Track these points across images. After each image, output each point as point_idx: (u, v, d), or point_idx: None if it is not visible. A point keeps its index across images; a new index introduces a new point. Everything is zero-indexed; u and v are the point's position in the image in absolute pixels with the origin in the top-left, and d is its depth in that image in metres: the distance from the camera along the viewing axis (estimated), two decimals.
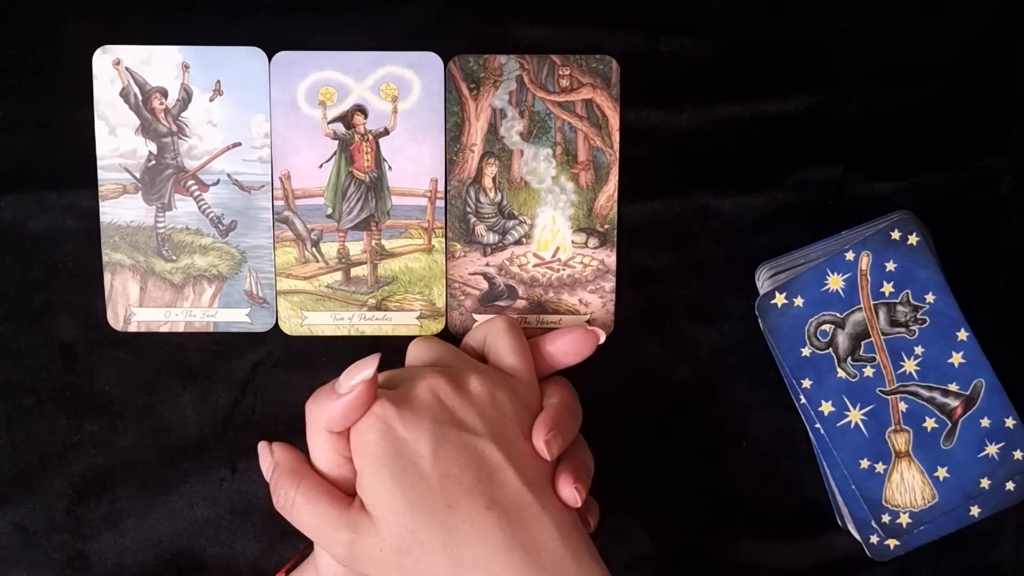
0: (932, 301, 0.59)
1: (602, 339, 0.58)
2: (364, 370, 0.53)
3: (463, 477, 0.52)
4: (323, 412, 0.54)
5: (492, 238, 0.62)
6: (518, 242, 0.62)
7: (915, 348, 0.59)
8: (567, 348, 0.59)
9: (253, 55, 0.60)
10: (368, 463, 0.53)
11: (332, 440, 0.54)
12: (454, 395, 0.54)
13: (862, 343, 0.59)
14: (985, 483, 0.60)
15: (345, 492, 0.54)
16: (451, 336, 0.62)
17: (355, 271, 0.62)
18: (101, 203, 0.61)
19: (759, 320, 0.60)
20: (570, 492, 0.53)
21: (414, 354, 0.59)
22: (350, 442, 0.54)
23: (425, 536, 0.51)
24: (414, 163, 0.61)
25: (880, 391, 0.59)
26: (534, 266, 0.62)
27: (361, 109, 0.61)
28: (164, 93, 0.61)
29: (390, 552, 0.52)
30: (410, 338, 0.61)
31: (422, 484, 0.52)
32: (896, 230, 0.59)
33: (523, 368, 0.57)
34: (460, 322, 0.62)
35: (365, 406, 0.53)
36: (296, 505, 0.54)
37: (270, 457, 0.56)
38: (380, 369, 0.53)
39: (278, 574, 0.60)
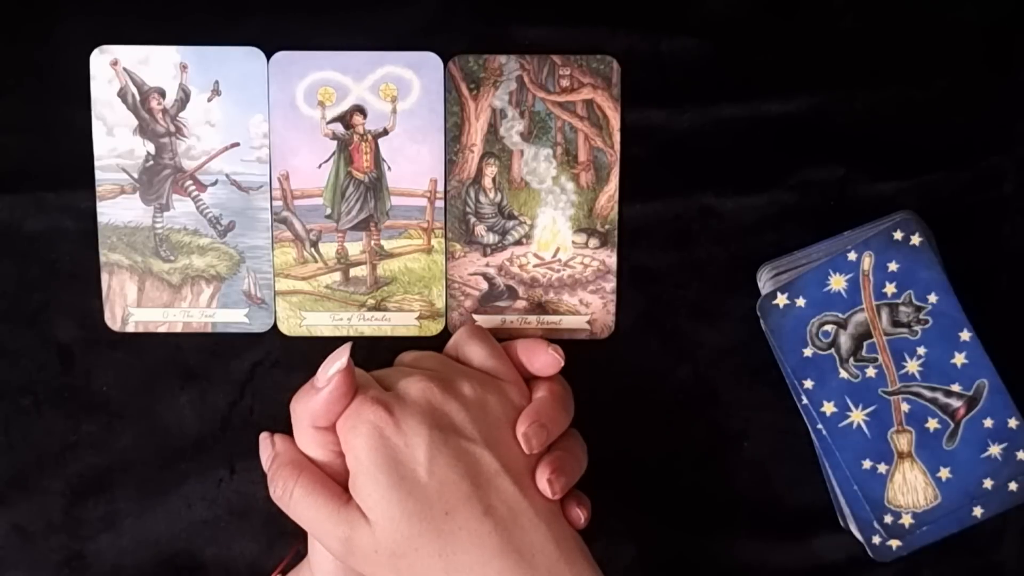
0: (935, 301, 0.59)
1: (562, 363, 0.58)
2: (338, 360, 0.53)
3: (460, 484, 0.52)
4: (306, 408, 0.54)
5: (492, 238, 0.62)
6: (518, 242, 0.62)
7: (917, 349, 0.59)
8: (527, 363, 0.58)
9: (251, 55, 0.60)
10: (364, 469, 0.53)
11: (319, 436, 0.55)
12: (446, 399, 0.54)
13: (864, 343, 0.59)
14: (988, 484, 0.60)
15: (341, 486, 0.54)
16: (450, 336, 0.62)
17: (354, 271, 0.62)
18: (99, 203, 0.61)
19: (761, 320, 0.60)
20: (543, 484, 0.54)
21: (401, 362, 0.59)
22: (343, 446, 0.54)
23: (421, 542, 0.51)
24: (413, 163, 0.61)
25: (882, 391, 0.59)
26: (534, 266, 0.62)
27: (360, 109, 0.61)
28: (162, 93, 0.60)
29: (384, 554, 0.52)
30: (410, 339, 0.62)
31: (419, 492, 0.52)
32: (899, 230, 0.59)
33: (503, 369, 0.57)
34: (460, 323, 0.62)
35: (346, 397, 0.53)
36: (295, 497, 0.54)
37: (271, 448, 0.57)
38: (375, 368, 0.53)
39: (272, 575, 0.60)
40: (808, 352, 0.59)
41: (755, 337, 0.61)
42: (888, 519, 0.60)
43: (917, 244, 0.59)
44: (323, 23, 0.60)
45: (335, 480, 0.54)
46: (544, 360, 0.58)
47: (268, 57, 0.60)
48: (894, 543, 0.61)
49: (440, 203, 0.61)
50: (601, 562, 0.54)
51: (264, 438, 0.58)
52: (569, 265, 0.62)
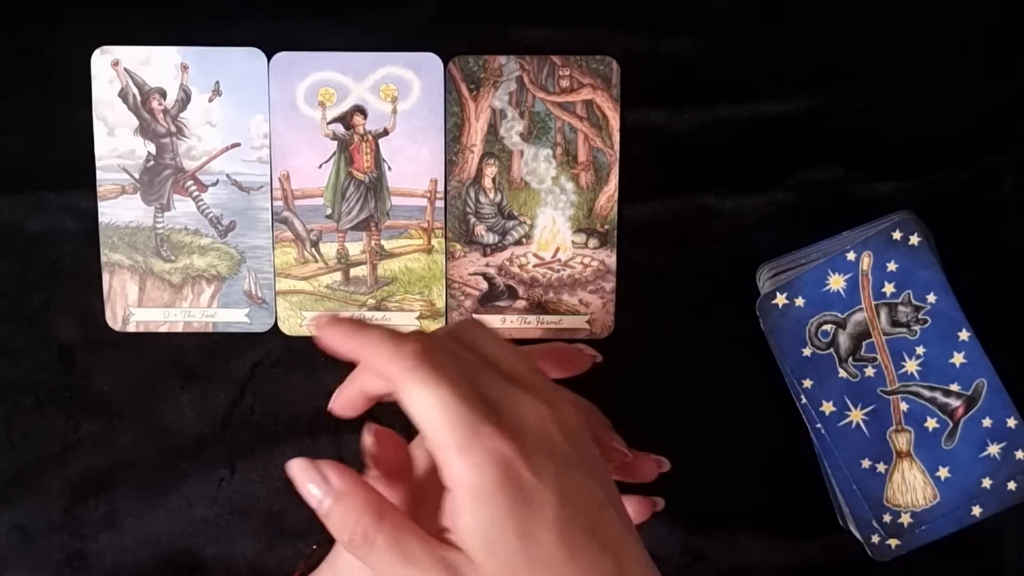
0: (933, 301, 0.59)
1: (599, 359, 0.57)
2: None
3: (583, 523, 0.45)
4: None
5: (492, 238, 0.62)
6: (518, 242, 0.62)
7: (916, 348, 0.59)
8: (558, 368, 0.55)
9: (252, 56, 0.60)
10: (488, 510, 0.43)
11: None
12: (559, 427, 0.46)
13: (863, 343, 0.59)
14: (987, 483, 0.60)
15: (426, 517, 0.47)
16: None
17: (354, 271, 0.62)
18: (100, 203, 0.61)
19: (760, 320, 0.60)
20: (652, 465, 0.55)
21: (476, 341, 0.48)
22: (446, 474, 0.44)
23: None
24: (414, 163, 0.61)
25: (881, 391, 0.59)
26: (534, 266, 0.62)
27: (360, 110, 0.61)
28: (163, 94, 0.61)
29: None
30: None
31: (547, 536, 0.44)
32: (897, 230, 0.59)
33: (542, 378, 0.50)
34: None
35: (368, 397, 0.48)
36: (378, 547, 0.45)
37: (325, 484, 0.46)
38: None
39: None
40: (807, 352, 0.60)
41: (754, 337, 0.61)
42: (887, 518, 0.60)
43: (916, 244, 0.59)
44: (323, 23, 0.60)
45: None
46: (583, 364, 0.56)
47: (269, 57, 0.60)
48: (893, 542, 0.61)
49: (440, 203, 0.61)
50: None
51: (308, 469, 0.46)
52: (569, 265, 0.62)
